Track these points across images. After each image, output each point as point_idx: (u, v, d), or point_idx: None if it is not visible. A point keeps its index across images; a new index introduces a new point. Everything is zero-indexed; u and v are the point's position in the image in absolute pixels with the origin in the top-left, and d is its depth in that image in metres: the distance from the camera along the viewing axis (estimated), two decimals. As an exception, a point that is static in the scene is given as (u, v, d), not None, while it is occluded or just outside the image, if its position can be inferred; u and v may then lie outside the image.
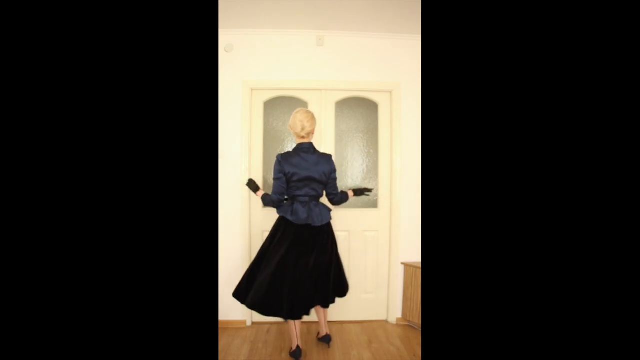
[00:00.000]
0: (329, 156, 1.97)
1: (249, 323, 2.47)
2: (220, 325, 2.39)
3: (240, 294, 1.94)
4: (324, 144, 2.50)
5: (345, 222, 2.52)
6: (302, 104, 2.51)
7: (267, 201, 1.98)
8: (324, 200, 2.07)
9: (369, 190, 2.22)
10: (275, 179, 1.90)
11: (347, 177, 2.56)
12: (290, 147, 2.53)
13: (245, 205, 2.44)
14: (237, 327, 2.43)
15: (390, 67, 2.49)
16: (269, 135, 2.51)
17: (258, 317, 2.49)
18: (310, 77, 2.46)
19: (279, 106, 2.51)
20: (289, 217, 1.89)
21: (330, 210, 2.00)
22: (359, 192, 2.18)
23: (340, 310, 2.52)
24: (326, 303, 2.01)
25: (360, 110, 2.55)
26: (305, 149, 1.91)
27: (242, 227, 2.44)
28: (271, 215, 2.49)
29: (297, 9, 2.13)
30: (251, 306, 1.85)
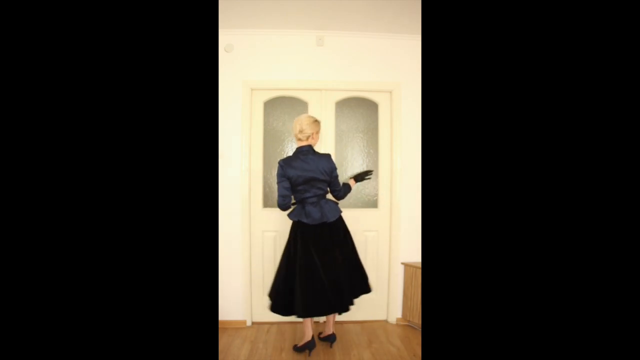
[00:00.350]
0: (328, 155, 2.01)
1: (249, 323, 2.47)
2: (220, 325, 2.39)
3: (280, 307, 1.95)
4: (324, 144, 2.50)
5: (346, 222, 2.52)
6: (302, 104, 2.51)
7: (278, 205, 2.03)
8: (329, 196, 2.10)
9: (370, 172, 2.24)
10: (278, 182, 1.94)
11: (347, 177, 2.56)
12: (290, 147, 2.53)
13: (245, 205, 2.44)
14: (237, 327, 2.43)
15: (390, 67, 2.49)
16: (269, 135, 2.51)
17: (258, 317, 2.49)
18: (310, 77, 2.46)
19: (279, 106, 2.51)
20: (304, 220, 1.92)
21: (337, 204, 2.05)
22: (360, 177, 2.20)
23: (340, 310, 2.52)
24: (363, 291, 2.06)
25: (360, 110, 2.55)
26: (305, 152, 1.96)
27: (242, 227, 2.44)
28: (271, 215, 2.50)
29: (297, 9, 2.13)
30: (307, 315, 1.91)
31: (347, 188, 2.11)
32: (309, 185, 1.93)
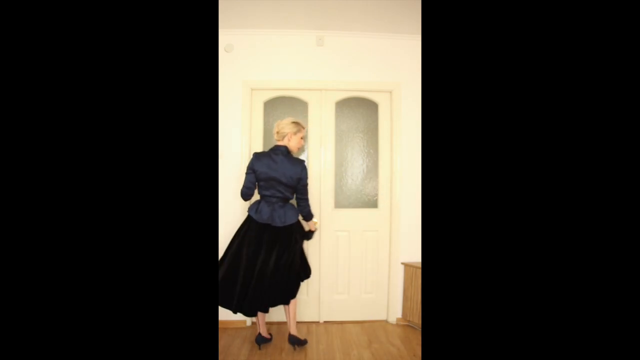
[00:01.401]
0: (301, 161, 2.02)
1: (248, 323, 2.47)
2: (220, 325, 2.38)
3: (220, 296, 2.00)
4: (324, 144, 2.50)
5: (345, 222, 2.52)
6: (302, 104, 2.51)
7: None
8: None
9: (308, 236, 2.18)
10: (245, 173, 2.02)
11: (347, 177, 2.56)
12: (290, 147, 2.54)
13: (245, 205, 2.44)
14: (237, 327, 2.43)
15: (390, 67, 2.49)
16: (269, 135, 2.51)
17: (258, 317, 2.49)
18: (310, 77, 2.47)
19: (279, 106, 2.51)
20: (252, 215, 1.97)
21: (297, 213, 2.05)
22: (308, 232, 2.18)
23: (340, 310, 2.52)
24: (286, 300, 2.03)
25: (360, 110, 2.55)
26: (277, 151, 2.00)
27: (242, 227, 2.44)
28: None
29: (297, 9, 2.13)
30: (220, 304, 1.91)
31: (308, 210, 2.10)
32: (268, 184, 1.97)
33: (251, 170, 1.98)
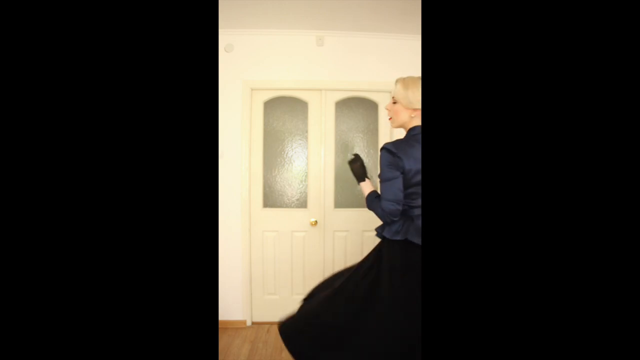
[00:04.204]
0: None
1: (249, 323, 2.47)
2: (220, 325, 2.39)
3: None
4: (324, 144, 2.50)
5: (345, 222, 2.52)
6: (302, 103, 2.51)
7: (373, 207, 1.30)
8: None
9: (357, 158, 1.54)
10: (386, 179, 1.21)
11: (347, 177, 2.56)
12: (290, 147, 2.53)
13: (245, 205, 2.44)
14: (237, 327, 2.43)
15: (390, 67, 2.49)
16: (269, 135, 2.51)
17: (258, 317, 2.49)
18: (310, 77, 2.47)
19: (279, 106, 2.52)
20: (415, 240, 1.18)
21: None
22: (354, 168, 1.50)
23: (340, 310, 2.52)
24: None
25: (360, 110, 2.55)
26: (418, 134, 1.27)
27: (242, 227, 2.44)
28: (271, 215, 2.49)
29: (297, 9, 2.13)
30: None
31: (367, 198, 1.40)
32: (419, 187, 1.21)
33: (399, 172, 1.18)
